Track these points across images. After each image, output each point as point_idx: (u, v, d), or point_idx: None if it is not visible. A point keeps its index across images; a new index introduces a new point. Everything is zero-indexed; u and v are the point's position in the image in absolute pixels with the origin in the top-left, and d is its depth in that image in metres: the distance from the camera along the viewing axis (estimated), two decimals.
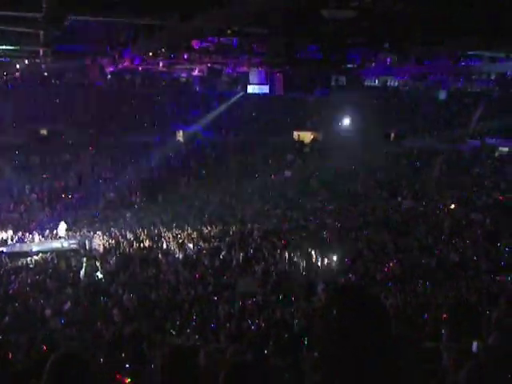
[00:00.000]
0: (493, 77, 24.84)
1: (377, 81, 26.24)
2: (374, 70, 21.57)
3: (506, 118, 37.33)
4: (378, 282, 20.28)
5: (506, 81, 25.40)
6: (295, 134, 41.31)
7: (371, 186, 35.25)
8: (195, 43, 15.16)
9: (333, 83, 22.04)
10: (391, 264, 22.38)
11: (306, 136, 41.36)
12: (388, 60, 19.33)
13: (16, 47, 18.13)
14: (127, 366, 8.94)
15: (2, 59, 22.72)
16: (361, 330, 1.98)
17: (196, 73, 21.54)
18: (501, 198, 28.81)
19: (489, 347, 3.05)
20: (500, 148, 36.82)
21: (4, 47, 17.92)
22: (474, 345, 3.68)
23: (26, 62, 22.85)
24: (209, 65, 19.38)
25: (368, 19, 11.55)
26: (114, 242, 26.26)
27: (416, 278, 20.61)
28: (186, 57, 16.82)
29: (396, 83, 26.56)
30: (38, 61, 20.63)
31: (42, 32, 14.65)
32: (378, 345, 1.98)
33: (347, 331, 1.98)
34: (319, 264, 22.40)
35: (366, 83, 26.09)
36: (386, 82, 26.71)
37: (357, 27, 12.92)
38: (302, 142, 40.95)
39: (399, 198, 33.41)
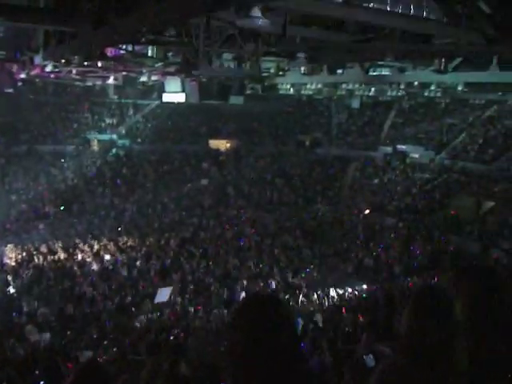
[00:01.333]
0: (402, 86, 25.65)
1: (291, 89, 26.60)
2: (289, 78, 21.86)
3: (415, 125, 38.77)
4: (296, 288, 20.59)
5: (414, 90, 26.34)
6: (211, 142, 41.30)
7: (287, 193, 35.72)
8: (109, 51, 14.93)
9: (248, 91, 22.14)
10: (308, 269, 22.77)
11: (222, 144, 41.44)
12: (302, 68, 19.63)
13: None
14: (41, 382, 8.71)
15: None
16: (270, 339, 1.99)
17: (111, 81, 21.16)
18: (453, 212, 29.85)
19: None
20: (411, 155, 38.07)
21: None
22: (369, 358, 3.76)
23: None
24: (123, 73, 19.14)
25: (283, 29, 11.70)
26: (26, 254, 25.41)
27: (333, 282, 21.07)
28: (99, 65, 16.53)
29: (310, 92, 27.01)
30: None
31: None
32: (287, 355, 1.99)
33: (256, 341, 1.99)
34: (238, 272, 22.46)
35: (280, 91, 26.41)
36: (301, 90, 27.06)
37: (272, 36, 13.08)
38: (217, 150, 40.98)
39: (315, 205, 34.02)
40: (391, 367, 2.50)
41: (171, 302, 18.50)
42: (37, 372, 10.47)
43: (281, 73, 19.50)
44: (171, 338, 13.86)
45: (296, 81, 23.98)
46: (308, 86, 26.10)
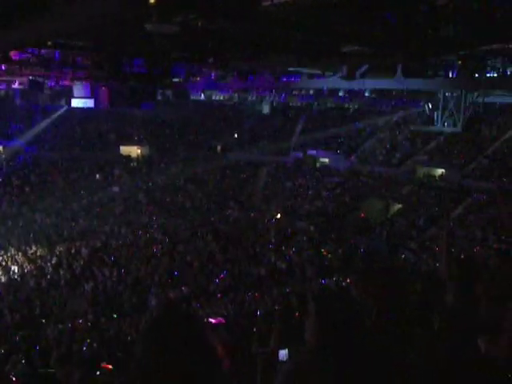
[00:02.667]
0: (311, 92, 26.29)
1: (202, 95, 26.69)
2: (200, 84, 21.94)
3: (324, 130, 39.65)
4: (210, 294, 20.61)
5: (323, 96, 27.04)
6: (122, 148, 40.72)
7: (199, 199, 35.71)
8: (14, 54, 14.53)
9: (159, 97, 22.08)
10: (221, 275, 22.82)
11: (133, 150, 40.94)
12: (212, 75, 19.73)
13: None
14: None
15: None
16: (178, 347, 2.04)
17: (16, 85, 20.57)
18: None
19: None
20: (321, 159, 38.88)
21: None
22: (281, 353, 3.86)
23: None
24: (30, 77, 18.63)
25: (192, 34, 11.76)
26: None
27: (245, 286, 21.20)
28: (3, 68, 16.07)
29: (221, 97, 27.18)
30: None
31: None
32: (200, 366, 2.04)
33: (164, 349, 2.03)
34: (150, 279, 22.25)
35: (191, 97, 26.44)
36: (211, 96, 27.24)
37: (181, 42, 13.11)
38: (128, 157, 40.44)
39: (227, 210, 34.17)
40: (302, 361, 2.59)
41: (83, 311, 18.15)
42: None
43: (192, 78, 19.57)
44: (84, 348, 13.58)
45: (207, 87, 24.14)
46: (219, 92, 26.29)
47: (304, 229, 29.85)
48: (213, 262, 24.68)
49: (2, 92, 26.37)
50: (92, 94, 18.10)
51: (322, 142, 39.40)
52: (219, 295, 20.47)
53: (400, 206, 30.83)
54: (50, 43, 12.88)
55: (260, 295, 19.93)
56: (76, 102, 19.15)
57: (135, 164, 39.75)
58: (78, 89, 18.51)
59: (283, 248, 26.70)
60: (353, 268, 22.57)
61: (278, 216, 32.14)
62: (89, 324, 16.87)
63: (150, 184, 36.82)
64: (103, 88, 17.73)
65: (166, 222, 31.63)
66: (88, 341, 14.15)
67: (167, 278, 22.47)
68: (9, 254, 25.79)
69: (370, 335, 2.68)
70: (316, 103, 33.60)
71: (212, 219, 32.26)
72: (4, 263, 24.74)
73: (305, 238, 28.11)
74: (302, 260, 24.85)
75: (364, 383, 2.46)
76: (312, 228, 29.76)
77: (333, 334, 2.51)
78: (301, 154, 39.76)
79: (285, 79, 19.96)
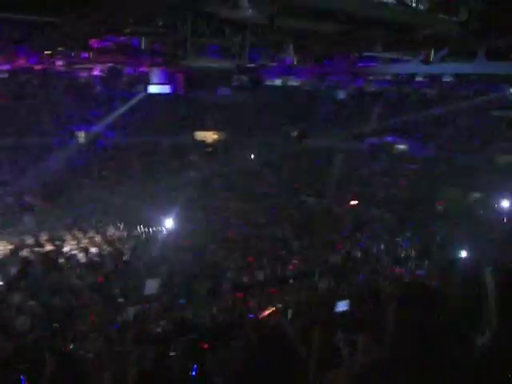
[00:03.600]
0: (388, 77, 25.73)
1: (278, 80, 26.54)
2: (275, 69, 21.83)
3: (402, 116, 38.84)
4: (283, 280, 20.64)
5: (400, 81, 26.42)
6: (198, 134, 41.20)
7: (274, 185, 35.74)
8: (94, 42, 14.83)
9: (234, 83, 22.08)
10: (296, 261, 22.81)
11: (209, 136, 41.35)
12: (288, 60, 19.64)
13: None
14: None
15: None
16: None
17: (96, 72, 21.02)
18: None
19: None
20: (397, 146, 38.20)
21: None
22: (341, 304, 3.81)
23: None
24: (109, 64, 19.01)
25: (270, 19, 11.68)
26: (12, 247, 25.34)
27: (319, 274, 21.11)
28: (84, 56, 16.44)
29: (297, 83, 27.01)
30: None
31: None
32: None
33: None
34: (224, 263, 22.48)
35: (267, 83, 26.33)
36: (287, 81, 27.04)
37: (259, 27, 13.05)
38: (204, 142, 40.88)
39: (302, 196, 34.08)
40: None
41: (158, 294, 18.51)
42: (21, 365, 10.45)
43: (267, 64, 19.50)
44: (157, 329, 13.90)
45: (283, 73, 23.98)
46: (295, 78, 26.10)
47: (379, 216, 29.46)
48: (287, 248, 24.74)
49: (83, 79, 26.96)
50: (168, 79, 18.28)
51: (399, 128, 38.65)
52: (292, 281, 20.49)
53: (479, 194, 29.97)
54: (128, 30, 13.07)
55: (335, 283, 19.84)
56: (153, 88, 19.36)
57: (210, 149, 40.14)
58: (154, 75, 18.74)
59: (358, 235, 26.46)
60: (430, 258, 22.12)
61: (353, 203, 31.82)
62: (164, 306, 17.23)
63: (226, 169, 37.12)
64: (179, 74, 17.89)
65: (241, 207, 31.86)
66: (162, 322, 14.48)
67: (242, 262, 22.67)
68: (88, 236, 26.64)
69: None
70: (393, 89, 32.89)
71: (287, 205, 32.25)
72: (84, 244, 25.58)
73: (380, 226, 27.76)
74: (377, 248, 24.57)
75: None
76: (388, 216, 29.33)
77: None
78: (377, 141, 39.17)
79: (361, 64, 19.57)
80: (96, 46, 15.11)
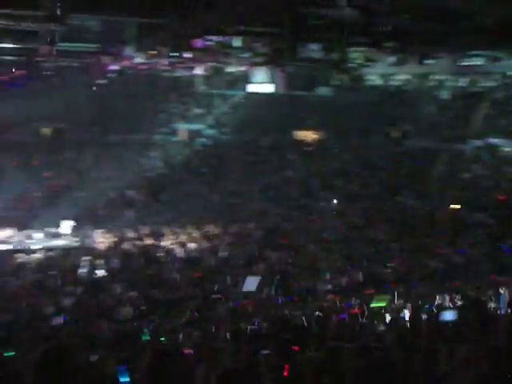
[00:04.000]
0: (495, 76, 24.73)
1: (379, 80, 26.12)
2: (376, 68, 21.55)
3: (508, 118, 37.22)
4: (380, 282, 20.25)
5: (509, 80, 25.33)
6: (297, 133, 41.18)
7: (373, 186, 35.18)
8: (197, 42, 15.17)
9: (335, 82, 21.97)
10: (395, 264, 22.31)
11: (308, 135, 41.24)
12: (390, 59, 19.31)
13: (20, 45, 18.18)
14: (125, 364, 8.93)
15: (7, 57, 22.75)
16: None
17: (198, 71, 21.48)
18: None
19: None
20: (502, 148, 36.65)
21: (8, 45, 17.97)
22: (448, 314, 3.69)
23: (30, 60, 22.94)
24: (211, 64, 19.39)
25: (371, 18, 11.54)
26: (115, 240, 26.27)
27: (419, 278, 20.57)
28: (187, 56, 16.83)
29: (398, 82, 26.51)
30: (41, 59, 20.68)
31: (44, 30, 14.71)
32: None
33: None
34: (322, 264, 22.32)
35: (367, 82, 25.99)
36: (388, 81, 26.60)
37: (359, 26, 12.92)
38: (303, 142, 40.81)
39: (402, 198, 33.34)
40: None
41: (255, 291, 18.62)
42: (123, 354, 10.78)
43: (368, 63, 19.26)
44: (253, 326, 13.96)
45: (384, 71, 23.63)
46: (397, 77, 25.61)
47: (482, 221, 28.38)
48: (386, 251, 24.30)
49: (186, 78, 27.65)
50: (269, 79, 18.41)
51: (504, 130, 37.08)
52: (390, 285, 20.06)
53: None
54: (230, 30, 13.26)
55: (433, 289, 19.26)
56: (253, 87, 19.60)
57: (310, 149, 40.02)
58: (256, 74, 18.94)
59: (458, 241, 25.61)
60: None
61: (455, 206, 30.83)
62: (259, 304, 17.30)
63: (324, 169, 36.91)
64: (280, 73, 17.99)
65: (339, 207, 31.59)
66: (257, 320, 14.53)
67: (339, 263, 22.44)
68: (187, 231, 27.21)
69: None
70: (500, 88, 31.58)
71: (386, 207, 31.68)
72: (183, 239, 26.14)
73: (482, 232, 26.72)
74: (479, 254, 23.67)
75: None
76: (491, 221, 28.19)
77: None
78: (480, 143, 37.75)
79: (466, 63, 18.95)
80: (199, 45, 15.46)
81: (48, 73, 29.04)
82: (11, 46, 17.97)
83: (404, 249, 24.41)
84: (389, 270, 21.80)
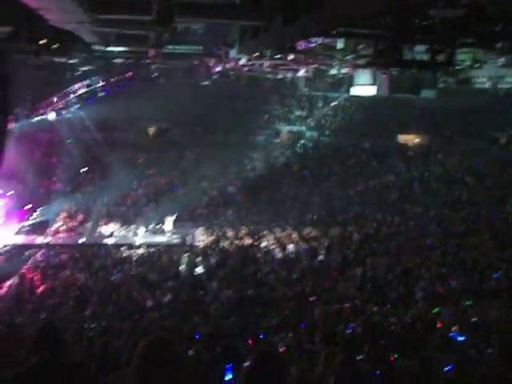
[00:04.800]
0: None
1: (487, 83, 25.12)
2: (485, 71, 20.74)
3: None
4: (479, 294, 19.50)
5: None
6: (400, 137, 40.46)
7: (477, 193, 33.98)
8: (300, 44, 15.18)
9: (440, 85, 21.33)
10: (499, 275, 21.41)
11: (410, 139, 40.42)
12: (500, 61, 18.56)
13: (128, 49, 18.82)
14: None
15: (116, 60, 23.66)
16: None
17: (301, 74, 21.50)
18: None
19: None
20: None
21: (117, 48, 18.66)
22: None
23: (137, 62, 23.74)
24: (313, 66, 19.37)
25: (479, 18, 11.15)
26: (214, 238, 26.75)
27: None
28: (290, 58, 16.88)
29: (508, 85, 25.47)
30: (147, 61, 21.36)
31: (152, 34, 15.16)
32: None
33: None
34: (420, 271, 21.77)
35: (475, 85, 25.05)
36: (497, 84, 25.54)
37: (467, 27, 12.51)
38: (406, 146, 40.02)
39: (507, 207, 32.01)
40: None
41: (350, 295, 18.44)
42: (218, 349, 10.93)
43: (476, 65, 18.62)
44: (348, 331, 13.82)
45: (493, 74, 22.72)
46: (507, 80, 24.57)
47: None
48: (487, 260, 23.39)
49: (288, 80, 27.76)
50: (372, 81, 18.16)
51: None
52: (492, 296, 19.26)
53: None
54: (333, 32, 13.19)
55: None
56: (356, 90, 19.38)
57: (412, 153, 39.19)
58: (358, 76, 18.74)
59: None
60: None
61: None
62: (355, 308, 17.10)
63: (426, 174, 36.06)
64: (384, 75, 17.70)
65: (440, 213, 30.73)
66: (353, 325, 14.37)
67: (438, 271, 21.82)
68: (285, 233, 27.31)
69: None
70: None
71: (490, 215, 30.50)
72: (280, 240, 26.27)
73: None
74: None
75: None
76: None
77: None
78: None
79: None
80: (302, 47, 15.48)
81: (154, 75, 29.98)
82: (122, 49, 18.63)
83: (506, 259, 23.38)
84: (492, 282, 20.96)
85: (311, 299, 18.32)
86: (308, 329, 14.39)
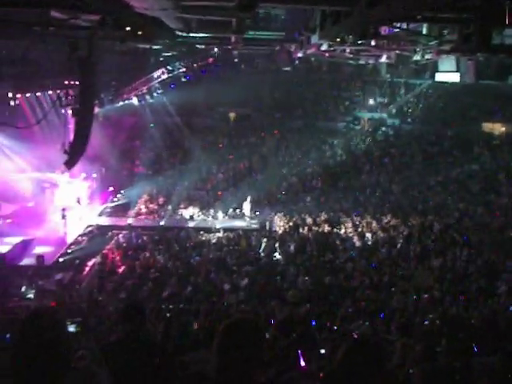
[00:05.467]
0: None
1: None
2: None
3: None
4: None
5: None
6: (484, 125, 39.11)
7: None
8: (383, 29, 14.89)
9: None
10: None
11: (497, 128, 39.00)
12: None
13: (210, 34, 18.98)
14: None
15: (198, 46, 23.91)
16: None
17: (383, 59, 21.06)
18: None
19: None
20: None
21: (200, 34, 18.85)
22: None
23: (219, 48, 23.91)
24: (396, 51, 18.95)
25: None
26: (293, 224, 26.78)
27: None
28: (373, 43, 16.58)
29: None
30: (229, 47, 21.48)
31: (234, 20, 15.24)
32: None
33: None
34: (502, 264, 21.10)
35: None
36: None
37: None
38: (491, 134, 38.66)
39: None
40: None
41: (429, 286, 18.12)
42: (294, 335, 10.96)
43: None
44: (425, 322, 13.59)
45: None
46: None
47: None
48: None
49: (371, 66, 27.25)
50: (457, 68, 17.60)
51: None
52: None
53: None
54: (418, 17, 12.87)
55: None
56: (440, 76, 18.86)
57: (498, 142, 37.84)
58: (443, 62, 18.20)
59: None
60: None
61: None
62: (433, 299, 16.79)
63: None
64: (469, 61, 17.14)
65: None
66: (431, 316, 14.13)
67: None
68: (365, 221, 27.03)
69: None
70: None
71: None
72: (360, 229, 26.03)
73: None
74: None
75: None
76: None
77: None
78: None
79: None
80: (385, 32, 15.18)
81: (236, 60, 30.14)
82: (204, 35, 18.81)
83: None
84: None
85: (390, 289, 18.14)
86: (385, 318, 14.26)
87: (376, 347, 3.45)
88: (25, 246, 24.38)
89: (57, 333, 2.85)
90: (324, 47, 17.15)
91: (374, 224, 26.62)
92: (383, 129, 39.37)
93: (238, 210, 29.48)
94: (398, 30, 14.66)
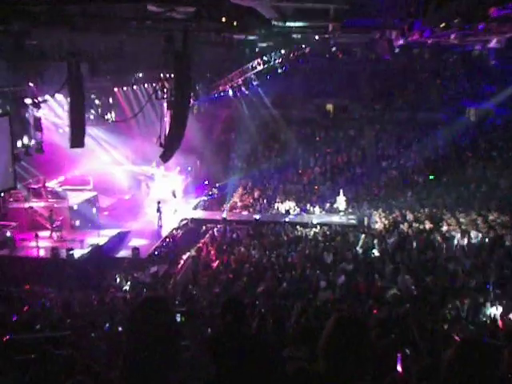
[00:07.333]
0: None
1: None
2: None
3: None
4: None
5: None
6: None
7: None
8: (494, 11, 13.79)
9: None
10: None
11: None
12: None
13: (307, 23, 18.60)
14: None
15: (294, 36, 23.52)
16: None
17: (492, 45, 19.73)
18: None
19: None
20: None
21: (296, 24, 18.53)
22: None
23: (316, 37, 23.32)
24: (508, 35, 17.67)
25: None
26: (392, 220, 25.90)
27: None
28: (481, 27, 15.47)
29: None
30: (326, 36, 20.95)
31: (331, 7, 14.83)
32: None
33: None
34: None
35: None
36: None
37: None
38: None
39: None
40: None
41: None
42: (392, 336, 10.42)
43: None
44: None
45: None
46: None
47: None
48: None
49: (476, 52, 25.73)
50: None
51: None
52: None
53: None
54: None
55: None
56: None
57: None
58: None
59: None
60: None
61: None
62: None
63: None
64: None
65: None
66: None
67: None
68: (469, 218, 25.73)
69: None
70: None
71: None
72: (464, 226, 24.78)
73: None
74: None
75: None
76: None
77: None
78: None
79: None
80: (494, 15, 14.06)
81: (333, 50, 29.47)
82: (300, 24, 18.40)
83: None
84: None
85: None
86: (491, 323, 13.41)
87: (489, 350, 3.18)
88: (121, 239, 24.98)
89: (171, 317, 2.91)
90: (427, 34, 16.23)
91: (480, 221, 25.26)
92: (491, 120, 37.44)
93: (335, 205, 28.88)
94: (509, 11, 13.56)
